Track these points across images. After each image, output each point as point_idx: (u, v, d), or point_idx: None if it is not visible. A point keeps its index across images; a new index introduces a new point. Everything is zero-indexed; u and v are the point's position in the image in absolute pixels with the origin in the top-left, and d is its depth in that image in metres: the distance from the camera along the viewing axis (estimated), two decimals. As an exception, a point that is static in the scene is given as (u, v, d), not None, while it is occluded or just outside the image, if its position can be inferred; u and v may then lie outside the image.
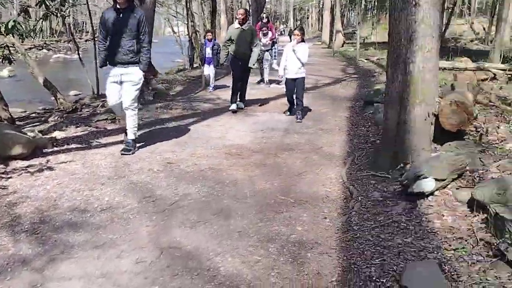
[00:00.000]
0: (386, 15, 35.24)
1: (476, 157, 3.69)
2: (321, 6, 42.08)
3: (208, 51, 10.51)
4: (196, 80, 12.37)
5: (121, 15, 4.87)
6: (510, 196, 2.70)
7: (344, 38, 28.65)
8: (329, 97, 9.53)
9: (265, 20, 11.39)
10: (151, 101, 9.13)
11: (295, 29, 7.50)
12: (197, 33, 22.28)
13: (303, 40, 7.08)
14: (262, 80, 11.32)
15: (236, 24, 7.71)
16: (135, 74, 5.02)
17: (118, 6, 4.86)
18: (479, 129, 4.50)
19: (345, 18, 41.85)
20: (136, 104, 5.24)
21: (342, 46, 26.93)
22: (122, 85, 5.05)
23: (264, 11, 27.21)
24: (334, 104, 8.68)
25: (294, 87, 7.09)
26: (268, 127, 6.80)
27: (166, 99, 9.33)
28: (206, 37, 10.93)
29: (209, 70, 10.57)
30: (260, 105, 8.55)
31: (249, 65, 7.66)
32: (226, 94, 9.78)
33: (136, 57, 4.99)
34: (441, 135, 4.18)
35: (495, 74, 9.50)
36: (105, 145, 5.59)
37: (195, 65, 19.71)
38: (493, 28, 24.58)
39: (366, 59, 18.30)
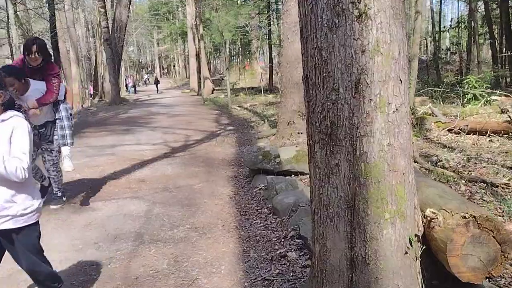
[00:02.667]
0: (250, 62, 35.25)
1: None
2: (186, 53, 40.65)
3: None
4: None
5: None
6: None
7: (213, 85, 27.11)
8: (204, 161, 7.14)
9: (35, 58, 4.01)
10: None
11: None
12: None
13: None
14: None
15: None
16: None
17: None
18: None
19: (211, 65, 41.03)
20: None
21: (212, 93, 25.26)
22: None
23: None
24: (211, 173, 6.29)
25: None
26: (108, 234, 4.04)
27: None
28: None
29: None
30: (91, 190, 5.71)
31: None
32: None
33: None
34: (430, 279, 2.03)
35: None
36: None
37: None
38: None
39: (239, 106, 16.65)
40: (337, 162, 1.95)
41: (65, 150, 4.62)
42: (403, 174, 1.92)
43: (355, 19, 1.86)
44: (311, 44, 2.01)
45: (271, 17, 22.34)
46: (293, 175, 5.28)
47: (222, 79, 38.30)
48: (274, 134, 8.14)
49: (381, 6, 1.85)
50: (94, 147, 8.88)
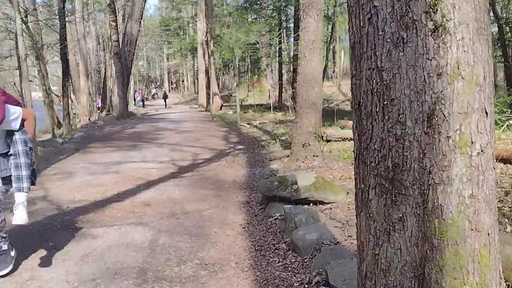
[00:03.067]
0: (259, 79, 35.07)
1: None
2: (195, 69, 40.61)
3: None
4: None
5: None
6: None
7: (222, 101, 26.87)
8: (213, 183, 6.70)
9: None
10: None
11: None
12: (49, 97, 18.22)
13: None
14: None
15: None
16: None
17: None
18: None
19: (220, 81, 40.87)
20: None
21: (221, 109, 24.98)
22: None
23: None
24: (221, 197, 5.84)
25: None
26: (108, 268, 3.59)
27: None
28: None
29: None
30: (92, 213, 5.28)
31: None
32: (54, 192, 6.27)
33: None
34: None
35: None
36: None
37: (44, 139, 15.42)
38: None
39: (248, 124, 16.28)
40: (401, 215, 1.50)
41: (19, 197, 3.32)
42: (488, 234, 1.47)
43: (429, 33, 1.44)
44: (367, 64, 1.59)
45: (282, 35, 22.16)
46: (311, 204, 4.83)
47: (231, 96, 38.08)
48: (288, 156, 7.71)
49: (463, 18, 1.44)
50: (99, 164, 8.49)
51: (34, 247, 4.05)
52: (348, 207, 4.57)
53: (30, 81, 27.71)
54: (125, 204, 5.51)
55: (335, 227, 3.86)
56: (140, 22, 20.26)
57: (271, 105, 20.38)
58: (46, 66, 20.78)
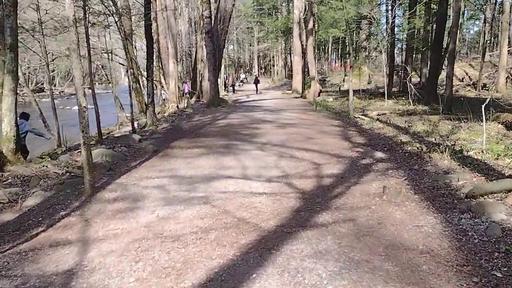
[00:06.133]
0: (359, 61, 30.44)
1: None
2: (287, 52, 37.02)
3: None
4: (81, 176, 5.81)
5: None
6: None
7: (320, 86, 23.10)
8: (388, 254, 3.22)
9: None
10: None
11: None
12: (138, 82, 16.04)
13: None
14: None
15: None
16: None
17: None
18: None
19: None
20: None
21: (319, 95, 21.28)
22: None
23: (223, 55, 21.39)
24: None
25: None
26: None
27: None
28: None
29: None
30: None
31: None
32: (93, 258, 3.26)
33: None
34: None
35: None
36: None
37: (121, 131, 13.16)
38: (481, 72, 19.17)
39: (363, 115, 12.46)
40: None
41: None
42: None
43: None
44: None
45: (398, 8, 17.63)
46: None
47: (324, 80, 34.04)
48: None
49: None
50: (181, 180, 5.49)
51: None
52: None
53: (122, 64, 26.16)
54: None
55: None
56: (235, -4, 17.23)
57: (385, 92, 16.19)
58: (132, 45, 18.70)
